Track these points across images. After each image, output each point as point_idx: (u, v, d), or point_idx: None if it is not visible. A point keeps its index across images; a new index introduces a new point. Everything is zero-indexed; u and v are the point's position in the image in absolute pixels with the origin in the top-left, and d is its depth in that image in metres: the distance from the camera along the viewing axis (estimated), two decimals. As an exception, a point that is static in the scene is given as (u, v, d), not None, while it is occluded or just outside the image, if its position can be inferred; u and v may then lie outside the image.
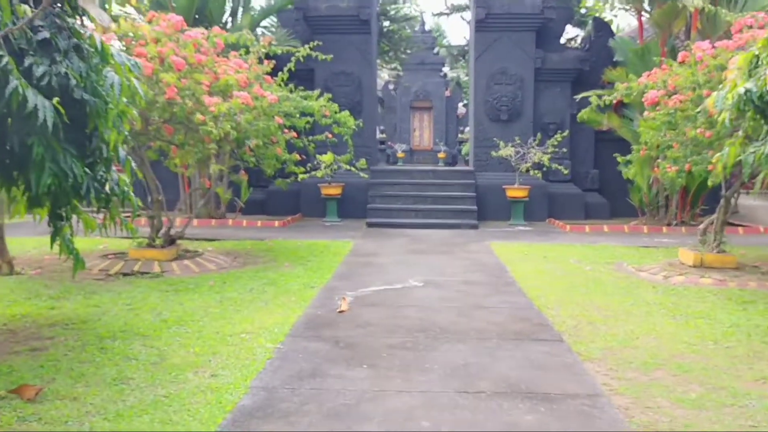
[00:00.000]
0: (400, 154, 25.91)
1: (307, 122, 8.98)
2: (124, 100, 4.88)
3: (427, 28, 29.84)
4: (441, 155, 25.66)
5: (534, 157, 12.93)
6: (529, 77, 13.93)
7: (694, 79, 7.21)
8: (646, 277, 7.76)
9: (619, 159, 10.95)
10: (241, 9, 13.04)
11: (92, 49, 4.44)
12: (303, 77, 13.44)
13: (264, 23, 14.99)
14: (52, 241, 4.94)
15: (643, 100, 8.38)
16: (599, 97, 8.72)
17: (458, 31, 68.82)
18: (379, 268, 8.18)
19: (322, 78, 13.97)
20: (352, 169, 13.01)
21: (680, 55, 7.64)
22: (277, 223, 12.64)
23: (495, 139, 13.68)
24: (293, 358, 4.40)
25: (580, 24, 20.72)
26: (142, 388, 3.82)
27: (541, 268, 8.33)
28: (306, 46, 9.28)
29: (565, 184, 14.06)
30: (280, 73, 8.83)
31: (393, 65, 24.76)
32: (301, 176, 12.83)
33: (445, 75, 30.74)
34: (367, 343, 4.79)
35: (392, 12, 21.80)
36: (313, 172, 13.01)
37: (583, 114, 12.64)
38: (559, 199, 13.84)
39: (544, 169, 13.12)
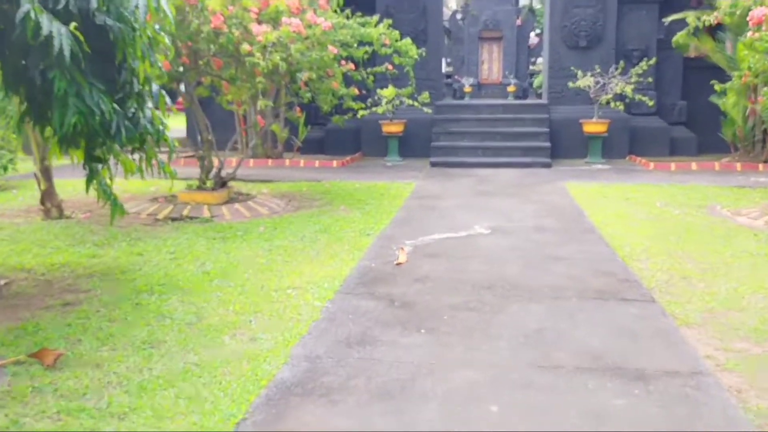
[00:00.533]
0: (467, 89, 24.73)
1: (366, 52, 8.31)
2: (156, 26, 4.39)
3: None
4: (511, 89, 24.36)
5: (615, 88, 11.84)
6: (612, -1, 12.68)
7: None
8: (745, 223, 6.89)
9: (717, 87, 9.81)
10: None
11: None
12: (363, 3, 12.68)
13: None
14: (88, 184, 4.59)
15: (748, 18, 7.29)
16: (698, 18, 7.62)
17: None
18: (441, 212, 7.60)
19: (384, 3, 13.12)
20: (415, 104, 12.30)
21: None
22: (335, 163, 12.16)
23: (572, 68, 12.61)
24: (341, 320, 3.94)
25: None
26: (173, 354, 3.44)
27: (623, 211, 7.56)
28: None
29: (649, 117, 12.92)
30: (335, -2, 8.15)
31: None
32: (360, 113, 12.29)
33: (517, 2, 29.03)
34: (426, 303, 4.27)
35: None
36: (373, 108, 12.38)
37: (679, 37, 11.49)
38: (641, 133, 12.75)
39: (627, 100, 12.03)
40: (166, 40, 4.34)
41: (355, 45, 8.39)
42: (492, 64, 27.76)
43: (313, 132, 13.90)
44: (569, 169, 11.39)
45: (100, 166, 4.67)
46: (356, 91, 9.11)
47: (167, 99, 4.56)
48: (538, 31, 30.16)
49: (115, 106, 4.26)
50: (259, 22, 7.06)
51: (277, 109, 12.78)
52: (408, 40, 8.15)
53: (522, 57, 27.47)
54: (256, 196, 8.49)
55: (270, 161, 12.35)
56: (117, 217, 4.59)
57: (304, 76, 7.24)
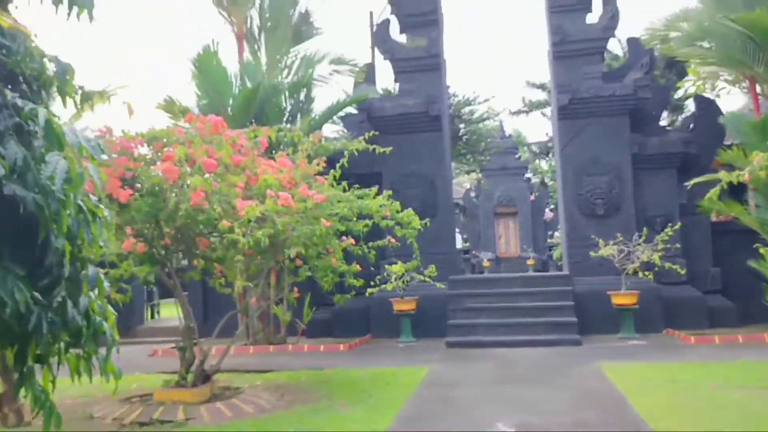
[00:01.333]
0: (486, 263, 24.50)
1: (366, 225, 7.68)
2: (93, 198, 3.70)
3: (507, 133, 29.28)
4: (530, 262, 24.01)
5: (642, 256, 11.02)
6: (626, 165, 12.28)
7: None
8: (830, 410, 5.68)
9: (762, 250, 8.96)
10: (300, 113, 12.30)
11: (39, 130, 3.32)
12: (369, 182, 12.43)
13: (328, 128, 14.30)
14: (16, 391, 3.68)
15: (787, 173, 6.62)
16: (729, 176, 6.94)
17: (539, 132, 68.37)
18: (456, 405, 6.46)
19: (390, 181, 12.84)
20: (427, 279, 11.52)
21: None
22: (342, 347, 11.13)
23: (592, 236, 11.92)
24: None
25: (676, 109, 19.14)
26: None
27: (674, 399, 6.38)
28: (360, 138, 8.11)
29: (681, 286, 11.96)
30: (332, 171, 7.66)
31: (472, 169, 23.67)
32: (369, 291, 11.50)
33: (529, 179, 29.81)
34: None
35: (465, 114, 20.93)
36: (382, 286, 11.61)
37: (705, 201, 10.91)
38: (675, 304, 11.71)
39: (656, 269, 11.16)
40: (105, 212, 3.62)
41: (355, 219, 7.78)
42: (509, 238, 27.83)
43: (320, 313, 13.05)
44: (601, 347, 10.24)
45: (29, 366, 3.81)
46: (358, 267, 8.37)
47: (106, 285, 3.76)
48: (552, 206, 31.34)
49: (37, 294, 3.48)
50: (247, 198, 6.49)
51: (278, 290, 12.07)
52: (410, 211, 7.53)
53: (539, 230, 27.58)
54: (246, 390, 7.43)
55: (272, 347, 11.36)
56: (71, 424, 3.64)
57: (293, 251, 6.51)
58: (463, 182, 35.27)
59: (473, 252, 28.01)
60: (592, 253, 11.82)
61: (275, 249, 6.67)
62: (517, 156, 29.45)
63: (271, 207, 5.93)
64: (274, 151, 8.73)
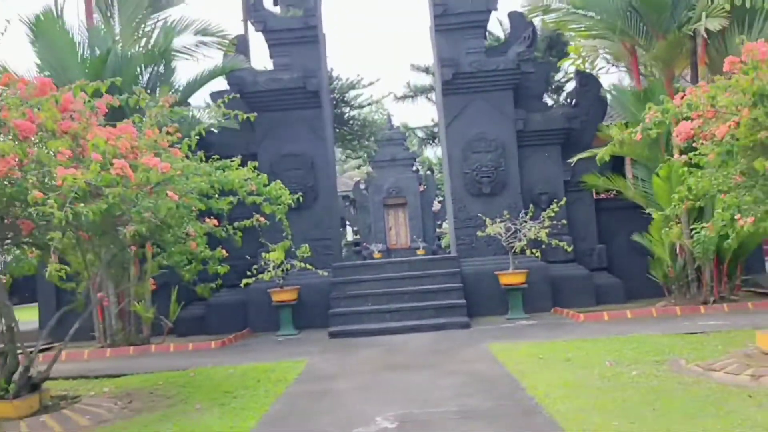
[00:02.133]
0: (377, 255, 24.24)
1: (230, 203, 6.72)
2: None
3: (395, 124, 29.51)
4: (420, 252, 23.96)
5: (529, 233, 10.71)
6: (511, 142, 11.95)
7: (761, 87, 5.13)
8: (727, 380, 5.37)
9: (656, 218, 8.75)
10: (158, 86, 11.01)
11: None
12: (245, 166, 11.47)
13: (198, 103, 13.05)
14: None
15: (675, 134, 6.28)
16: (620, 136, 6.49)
17: (425, 118, 69.06)
18: (333, 400, 5.68)
19: (268, 162, 11.85)
20: (308, 267, 10.68)
21: (726, 62, 5.60)
22: (213, 344, 10.06)
23: (479, 215, 11.51)
24: None
25: (558, 90, 19.32)
26: None
27: (570, 377, 5.91)
28: (229, 112, 7.01)
29: (568, 264, 11.80)
30: (186, 140, 6.60)
31: (359, 157, 23.02)
32: (244, 282, 10.50)
33: (418, 170, 29.92)
34: None
35: (350, 98, 20.19)
36: (259, 276, 10.64)
37: (588, 177, 10.79)
38: (563, 283, 11.51)
39: (543, 246, 10.88)
40: None
41: (216, 196, 6.79)
42: (399, 229, 27.95)
43: (193, 308, 11.89)
44: (491, 328, 9.81)
45: None
46: (223, 253, 7.38)
47: None
48: (440, 198, 31.50)
49: None
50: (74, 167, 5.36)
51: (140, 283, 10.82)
52: (278, 183, 6.60)
53: (428, 221, 27.91)
54: (85, 399, 6.30)
55: (132, 349, 10.09)
56: None
57: (129, 230, 5.46)
58: (354, 176, 35.17)
59: (364, 244, 27.79)
60: (479, 233, 11.41)
61: (111, 229, 5.59)
62: (405, 147, 29.22)
63: (97, 176, 4.85)
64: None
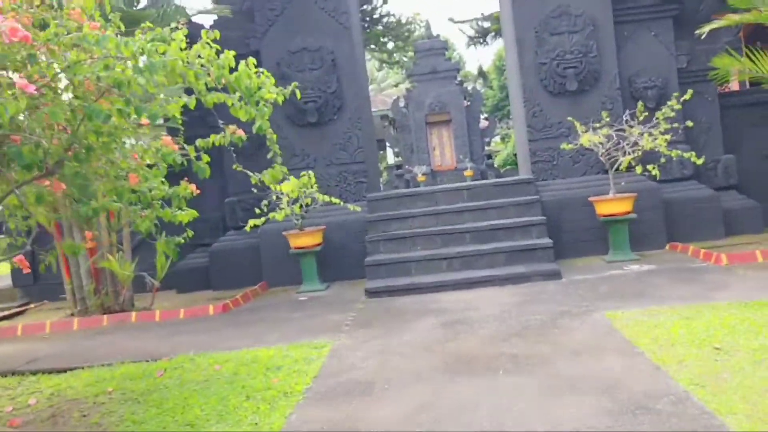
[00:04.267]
0: (420, 178, 22.57)
1: (184, 105, 4.08)
2: None
3: (434, 33, 27.04)
4: (468, 173, 22.31)
5: (643, 142, 7.80)
6: (606, 17, 8.87)
7: None
8: None
9: None
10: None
11: None
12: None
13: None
14: None
15: None
16: None
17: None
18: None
19: (274, 60, 9.11)
20: (334, 200, 8.09)
21: None
22: (212, 309, 7.65)
23: (565, 121, 8.63)
24: None
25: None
26: None
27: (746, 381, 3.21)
28: None
29: (686, 182, 8.92)
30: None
31: (393, 66, 20.04)
32: (251, 223, 7.99)
33: (462, 82, 27.78)
34: None
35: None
36: (270, 214, 8.10)
37: (718, 60, 7.80)
38: (680, 208, 8.66)
39: (662, 160, 8.00)
40: None
41: (162, 96, 4.11)
42: (444, 149, 26.39)
43: (191, 258, 9.52)
44: (593, 279, 7.09)
45: None
46: (192, 188, 4.74)
47: None
48: (485, 115, 29.92)
49: None
50: None
51: (119, 233, 8.42)
52: (251, 61, 3.84)
53: (475, 139, 25.85)
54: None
55: (106, 319, 7.75)
56: None
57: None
58: (392, 95, 33.00)
59: (406, 167, 25.96)
60: (564, 146, 8.54)
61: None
62: (446, 57, 26.91)
63: None
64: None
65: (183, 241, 4.99)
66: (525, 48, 9.01)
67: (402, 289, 7.40)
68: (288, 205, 8.12)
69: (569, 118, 8.58)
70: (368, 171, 9.42)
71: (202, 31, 3.80)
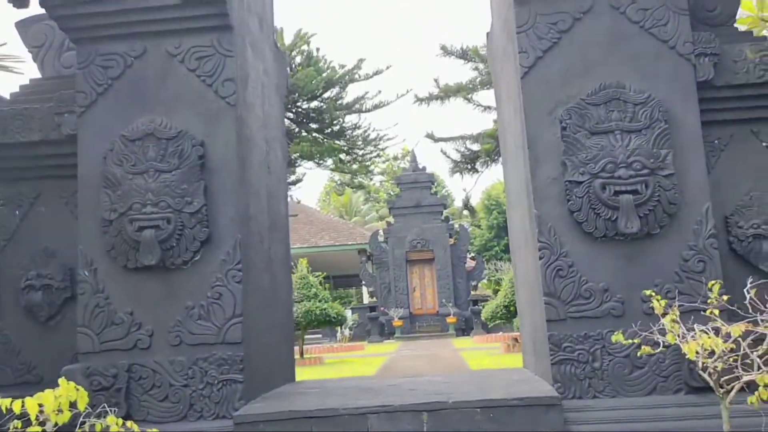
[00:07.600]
0: (397, 322, 22.51)
1: None
2: None
3: (420, 164, 27.40)
4: (450, 320, 22.17)
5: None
6: (687, 108, 5.09)
7: None
8: None
9: None
10: None
11: None
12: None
13: None
14: None
15: None
16: None
17: (460, 127, 62.12)
18: None
19: (97, 152, 5.24)
20: (130, 426, 3.87)
21: None
22: None
23: (617, 287, 4.70)
24: None
25: None
26: None
27: None
28: None
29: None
30: None
31: (357, 179, 17.14)
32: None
33: (447, 219, 27.28)
34: None
35: (334, 93, 13.76)
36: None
37: None
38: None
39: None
40: None
41: None
42: (425, 290, 25.72)
43: None
44: None
45: None
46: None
47: None
48: (472, 254, 28.88)
49: None
50: None
51: None
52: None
53: (460, 281, 25.34)
54: None
55: None
56: None
57: None
58: (375, 227, 33.63)
59: (382, 309, 24.89)
60: (617, 336, 4.46)
61: None
62: (432, 191, 26.98)
63: None
64: None
65: None
66: (542, 153, 5.16)
67: None
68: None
69: (607, 285, 4.64)
70: (251, 359, 5.24)
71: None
